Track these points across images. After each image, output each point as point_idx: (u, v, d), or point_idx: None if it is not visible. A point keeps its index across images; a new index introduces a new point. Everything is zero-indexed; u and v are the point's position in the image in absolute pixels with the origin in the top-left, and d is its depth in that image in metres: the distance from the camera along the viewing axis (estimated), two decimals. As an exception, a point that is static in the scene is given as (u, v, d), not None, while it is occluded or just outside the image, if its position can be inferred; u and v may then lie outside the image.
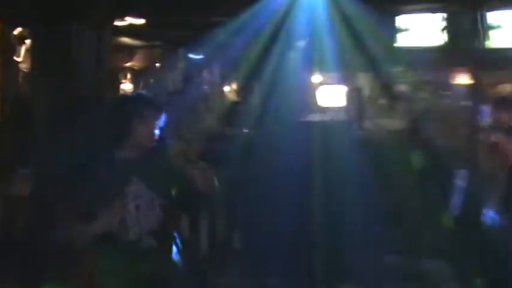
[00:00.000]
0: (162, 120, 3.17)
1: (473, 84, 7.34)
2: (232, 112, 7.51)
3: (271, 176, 5.55)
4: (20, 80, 8.38)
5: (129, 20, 8.19)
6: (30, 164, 5.71)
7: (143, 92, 6.52)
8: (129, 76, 10.11)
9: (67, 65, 5.56)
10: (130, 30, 8.58)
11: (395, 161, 5.65)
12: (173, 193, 3.25)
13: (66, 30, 5.65)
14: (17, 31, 8.03)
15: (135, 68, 10.16)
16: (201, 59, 9.18)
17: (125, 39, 9.17)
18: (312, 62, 7.52)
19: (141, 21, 8.31)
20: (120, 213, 3.04)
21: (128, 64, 10.05)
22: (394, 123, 6.38)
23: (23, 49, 8.50)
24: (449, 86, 7.74)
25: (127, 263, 3.11)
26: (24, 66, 8.54)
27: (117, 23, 7.69)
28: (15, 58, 8.22)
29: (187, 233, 6.26)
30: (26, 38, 8.10)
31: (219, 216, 6.61)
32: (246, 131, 6.56)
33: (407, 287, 5.44)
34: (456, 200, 4.55)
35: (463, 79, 7.75)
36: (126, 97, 3.41)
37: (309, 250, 5.52)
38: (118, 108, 3.21)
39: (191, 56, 9.34)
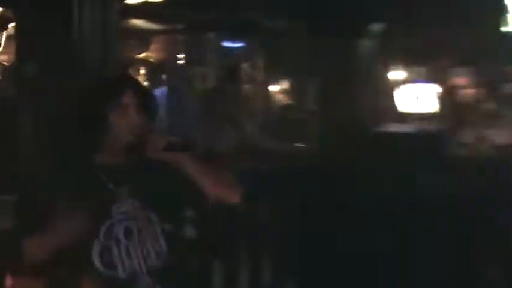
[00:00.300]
0: (153, 111, 3.01)
1: None
2: (282, 120, 7.45)
3: (335, 206, 5.51)
4: (-1, 75, 8.26)
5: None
6: (13, 188, 5.35)
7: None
8: (143, 71, 9.81)
9: (62, 57, 5.55)
10: (145, 11, 8.41)
11: (505, 184, 5.44)
12: (185, 214, 3.13)
13: (61, 10, 5.71)
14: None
15: (151, 60, 9.84)
16: (239, 48, 9.07)
17: (138, 23, 8.95)
18: (391, 52, 7.46)
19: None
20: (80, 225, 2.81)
21: (141, 55, 9.78)
22: (505, 136, 6.23)
23: (3, 36, 8.70)
24: None
25: None
26: (4, 59, 8.75)
27: (128, 0, 7.62)
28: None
29: (221, 281, 6.23)
30: (7, 22, 8.19)
31: (266, 260, 6.35)
32: (301, 145, 6.55)
33: None
34: None
35: None
36: (98, 80, 3.37)
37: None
38: (89, 95, 3.04)
39: (226, 44, 9.18)
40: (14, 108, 5.92)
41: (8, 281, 2.96)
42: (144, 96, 3.01)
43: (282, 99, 8.49)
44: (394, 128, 6.77)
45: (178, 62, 9.56)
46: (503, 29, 7.91)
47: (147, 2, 8.23)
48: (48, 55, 5.65)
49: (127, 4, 7.52)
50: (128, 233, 2.93)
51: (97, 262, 2.88)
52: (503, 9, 7.98)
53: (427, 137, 6.33)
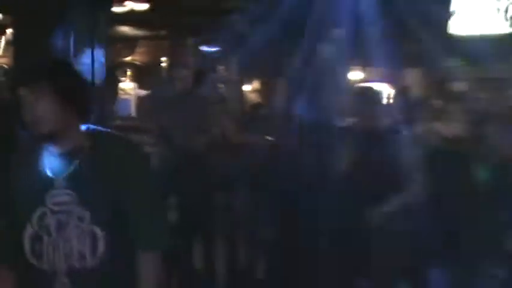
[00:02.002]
0: None
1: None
2: (254, 117, 7.41)
3: (302, 192, 5.47)
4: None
5: (130, 5, 8.07)
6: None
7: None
8: (129, 73, 9.74)
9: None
10: (131, 18, 8.41)
11: (454, 175, 5.44)
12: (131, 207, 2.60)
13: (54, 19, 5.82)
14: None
15: (137, 63, 9.77)
16: (215, 51, 9.02)
17: (125, 29, 8.96)
18: (350, 55, 7.34)
19: (144, 6, 8.19)
20: None
21: (128, 58, 9.69)
22: (451, 128, 6.07)
23: (2, 41, 8.82)
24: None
25: None
26: (3, 61, 8.83)
27: (115, 8, 7.55)
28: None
29: (198, 261, 6.48)
30: (6, 28, 8.16)
31: (239, 241, 6.51)
32: (271, 138, 6.48)
33: None
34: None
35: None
36: None
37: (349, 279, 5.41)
38: None
39: (204, 48, 9.19)
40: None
41: None
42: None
43: (254, 97, 8.44)
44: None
45: (161, 64, 9.55)
46: (450, 32, 7.97)
47: (132, 10, 8.20)
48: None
49: (115, 12, 7.48)
50: (59, 226, 2.54)
51: (26, 248, 2.58)
52: (450, 13, 7.97)
53: (384, 131, 5.83)
